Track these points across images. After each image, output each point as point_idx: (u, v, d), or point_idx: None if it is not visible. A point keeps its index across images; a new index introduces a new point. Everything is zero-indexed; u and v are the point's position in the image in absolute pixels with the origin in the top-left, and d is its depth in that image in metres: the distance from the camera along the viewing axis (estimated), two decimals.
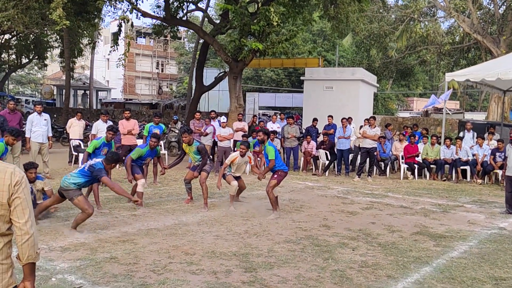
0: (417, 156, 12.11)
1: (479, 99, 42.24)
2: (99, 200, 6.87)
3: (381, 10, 23.77)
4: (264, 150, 7.20)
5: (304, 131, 14.76)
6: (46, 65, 32.82)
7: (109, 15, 49.78)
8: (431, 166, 11.99)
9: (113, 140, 7.75)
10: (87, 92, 34.63)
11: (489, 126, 13.05)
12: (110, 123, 10.11)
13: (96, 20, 19.39)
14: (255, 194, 8.74)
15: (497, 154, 11.00)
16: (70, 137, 11.93)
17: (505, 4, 19.91)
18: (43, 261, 4.40)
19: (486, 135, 12.34)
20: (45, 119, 9.62)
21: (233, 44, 14.22)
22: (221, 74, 19.65)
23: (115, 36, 17.37)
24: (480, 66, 13.92)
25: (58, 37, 25.13)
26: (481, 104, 40.16)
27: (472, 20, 19.88)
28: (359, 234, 5.95)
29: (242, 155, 7.46)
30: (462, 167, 11.66)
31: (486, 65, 13.42)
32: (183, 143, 7.53)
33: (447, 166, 11.92)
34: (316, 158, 12.57)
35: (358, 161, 11.83)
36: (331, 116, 13.27)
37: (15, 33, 23.88)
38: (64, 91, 26.99)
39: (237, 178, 7.56)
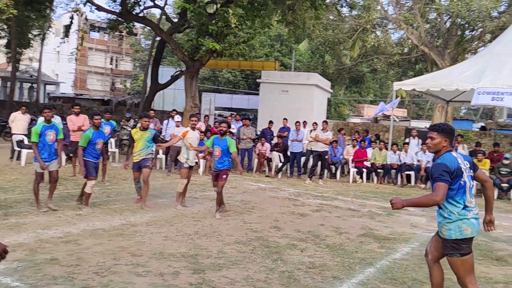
0: (366, 160, 12.55)
1: (425, 108, 44.53)
2: (39, 199, 6.51)
3: (335, 19, 24.43)
4: (224, 142, 6.97)
5: (259, 133, 14.86)
6: None
7: (61, 7, 47.39)
8: (379, 170, 12.47)
9: (58, 123, 7.29)
10: (34, 85, 32.90)
11: None
12: (57, 118, 9.62)
13: (47, 11, 18.51)
14: (207, 195, 8.68)
15: None
16: (12, 132, 11.28)
17: (450, 19, 21.08)
18: None
19: None
20: None
21: (190, 43, 14.06)
22: (177, 73, 19.39)
23: (67, 28, 16.64)
24: (426, 76, 14.56)
25: (5, 26, 23.71)
26: (427, 113, 42.33)
27: (420, 33, 20.90)
28: (308, 235, 6.07)
29: (193, 128, 7.50)
30: (406, 172, 12.22)
31: (431, 76, 14.09)
32: (135, 129, 7.44)
33: (393, 171, 12.45)
34: (269, 160, 12.70)
35: (310, 164, 12.08)
36: (286, 119, 13.47)
37: None
38: (9, 83, 25.45)
39: (190, 169, 7.47)
